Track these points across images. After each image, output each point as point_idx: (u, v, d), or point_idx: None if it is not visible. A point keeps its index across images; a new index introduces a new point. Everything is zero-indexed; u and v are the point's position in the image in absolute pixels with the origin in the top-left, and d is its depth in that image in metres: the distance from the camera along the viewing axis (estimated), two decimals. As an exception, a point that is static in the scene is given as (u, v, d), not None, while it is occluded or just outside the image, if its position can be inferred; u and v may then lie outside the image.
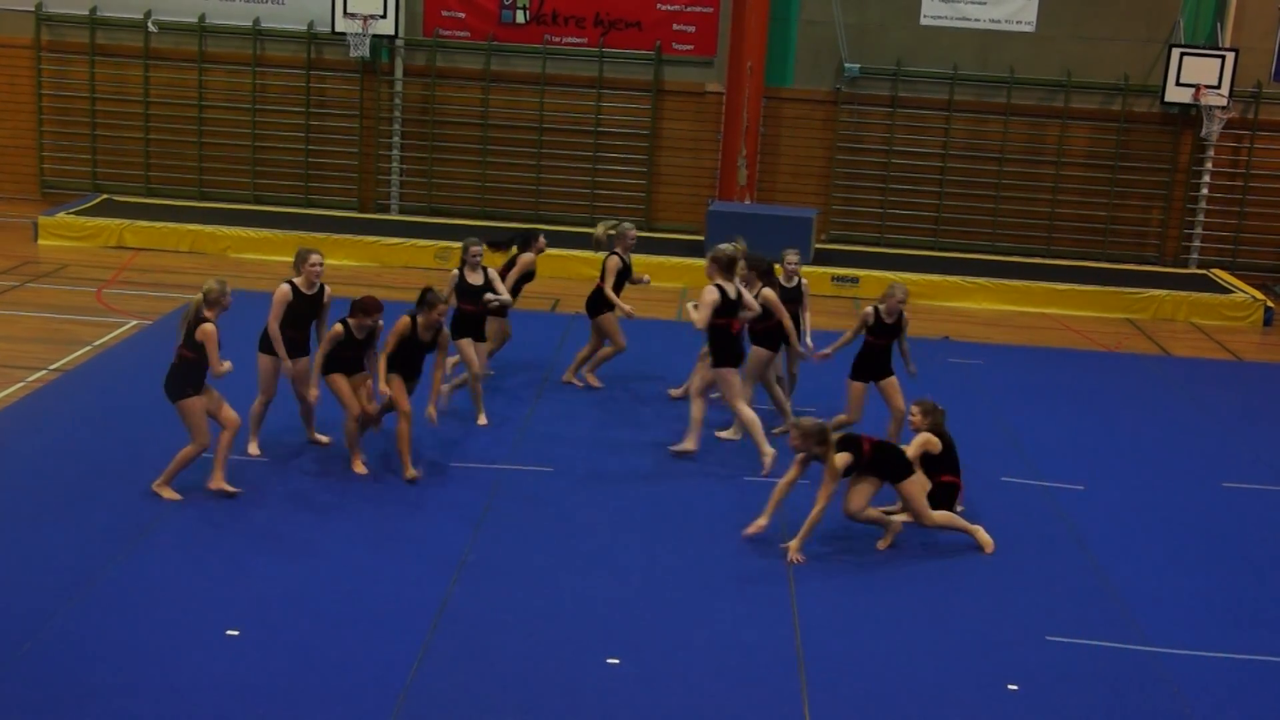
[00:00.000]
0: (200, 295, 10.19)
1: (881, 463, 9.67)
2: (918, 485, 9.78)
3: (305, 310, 11.08)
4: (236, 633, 8.09)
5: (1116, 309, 19.46)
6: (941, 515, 9.86)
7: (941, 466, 10.16)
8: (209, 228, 20.00)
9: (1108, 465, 12.31)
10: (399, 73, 22.39)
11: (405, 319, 10.72)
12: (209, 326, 10.06)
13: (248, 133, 22.53)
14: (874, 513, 9.83)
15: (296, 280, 10.99)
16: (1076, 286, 19.67)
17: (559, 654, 8.12)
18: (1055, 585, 9.57)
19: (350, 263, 19.68)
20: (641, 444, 11.89)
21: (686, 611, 8.79)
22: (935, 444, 10.12)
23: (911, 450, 10.04)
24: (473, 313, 12.30)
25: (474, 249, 12.42)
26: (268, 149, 22.65)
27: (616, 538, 9.91)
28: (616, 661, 8.07)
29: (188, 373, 10.08)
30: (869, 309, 11.52)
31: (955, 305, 19.35)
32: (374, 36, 21.63)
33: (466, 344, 12.20)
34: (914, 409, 10.26)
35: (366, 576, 8.99)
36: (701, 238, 20.23)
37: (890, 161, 22.18)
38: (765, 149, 22.11)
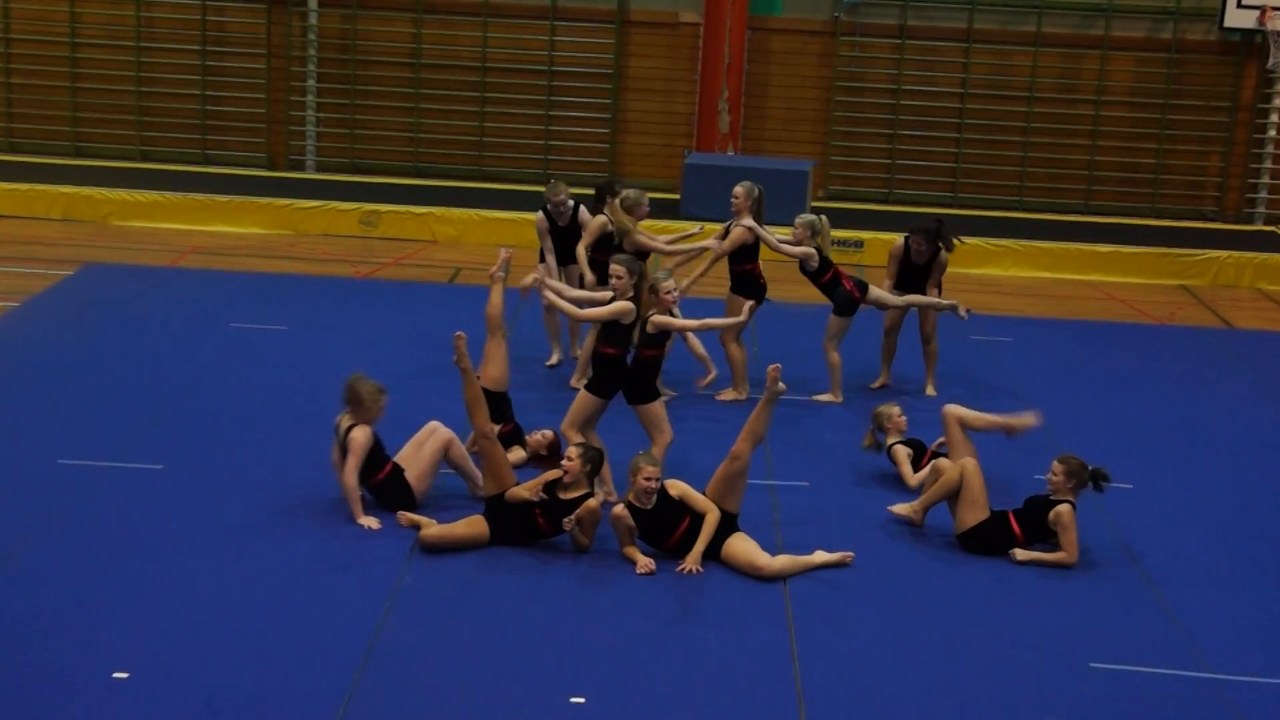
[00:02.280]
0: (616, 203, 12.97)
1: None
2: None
3: None
4: (125, 675, 8.04)
5: (1169, 274, 19.52)
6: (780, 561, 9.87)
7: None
8: (86, 190, 19.86)
9: (1160, 460, 12.35)
10: (313, 3, 22.26)
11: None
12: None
13: (131, 76, 22.36)
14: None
15: None
16: (1121, 248, 19.72)
17: (512, 692, 8.09)
18: (1100, 603, 9.59)
19: (258, 231, 19.57)
20: (615, 442, 11.85)
21: (665, 643, 8.78)
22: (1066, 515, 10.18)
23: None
24: (654, 359, 10.90)
25: (665, 285, 10.81)
26: (155, 95, 22.49)
27: (582, 556, 9.89)
28: (581, 700, 8.06)
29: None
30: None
31: (978, 272, 19.37)
32: (282, -40, 21.55)
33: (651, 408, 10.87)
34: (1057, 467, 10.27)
35: (281, 607, 8.94)
36: (676, 195, 20.21)
37: (899, 103, 22.17)
38: (751, 90, 22.08)
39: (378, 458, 10.26)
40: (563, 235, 13.70)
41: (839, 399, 13.32)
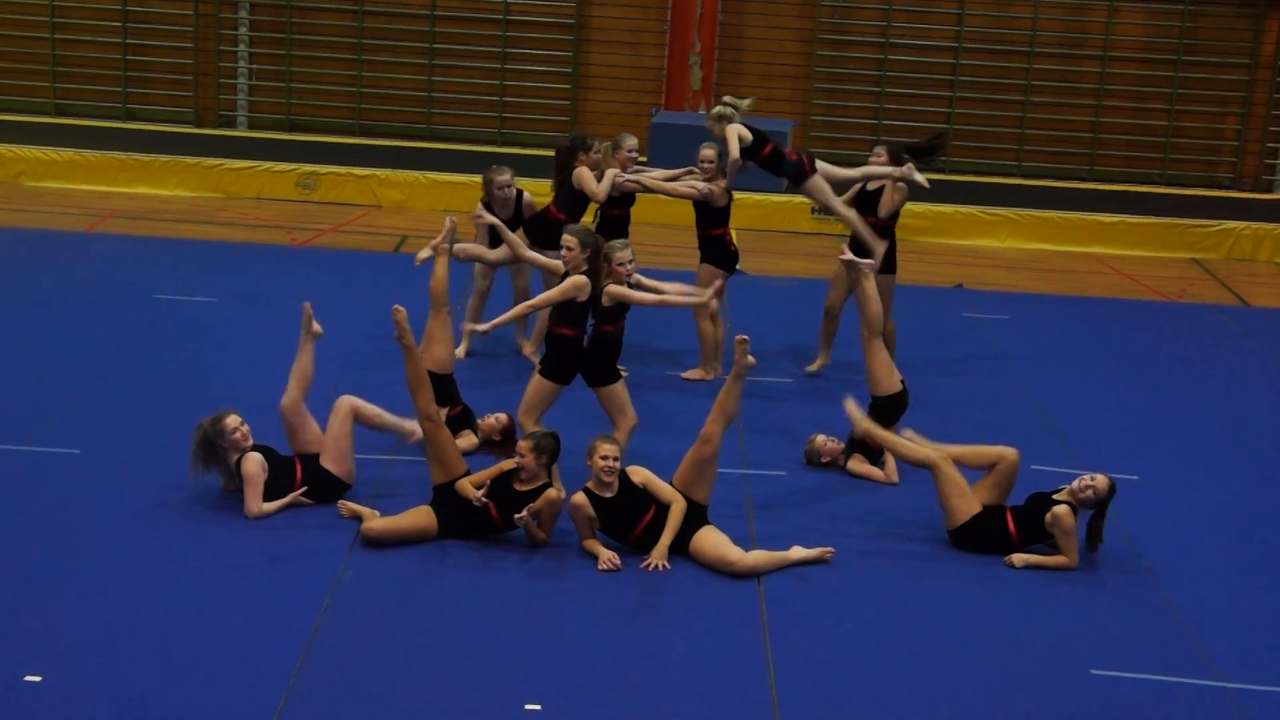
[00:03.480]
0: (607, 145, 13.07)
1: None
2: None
3: None
4: (38, 679, 8.04)
5: (1180, 246, 19.61)
6: (755, 556, 9.92)
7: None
8: (-5, 147, 19.81)
9: (1168, 449, 12.43)
10: (245, -57, 22.21)
11: None
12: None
13: (45, 21, 22.23)
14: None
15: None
16: (1128, 218, 19.80)
17: (462, 699, 8.11)
18: (1102, 605, 9.66)
19: (184, 193, 19.51)
20: (577, 422, 11.88)
21: (629, 645, 8.80)
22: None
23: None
24: (613, 335, 10.95)
25: (620, 255, 10.83)
26: (72, 43, 22.38)
27: (538, 550, 9.92)
28: (538, 708, 8.09)
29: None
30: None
31: (972, 243, 19.44)
32: (212, -105, 21.46)
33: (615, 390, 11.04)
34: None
35: (210, 604, 8.94)
36: (643, 158, 20.17)
37: (887, 58, 22.19)
38: (725, 43, 22.08)
39: (282, 469, 10.27)
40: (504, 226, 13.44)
41: (826, 360, 13.43)
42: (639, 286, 10.83)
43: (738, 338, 9.94)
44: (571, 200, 12.98)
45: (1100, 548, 10.17)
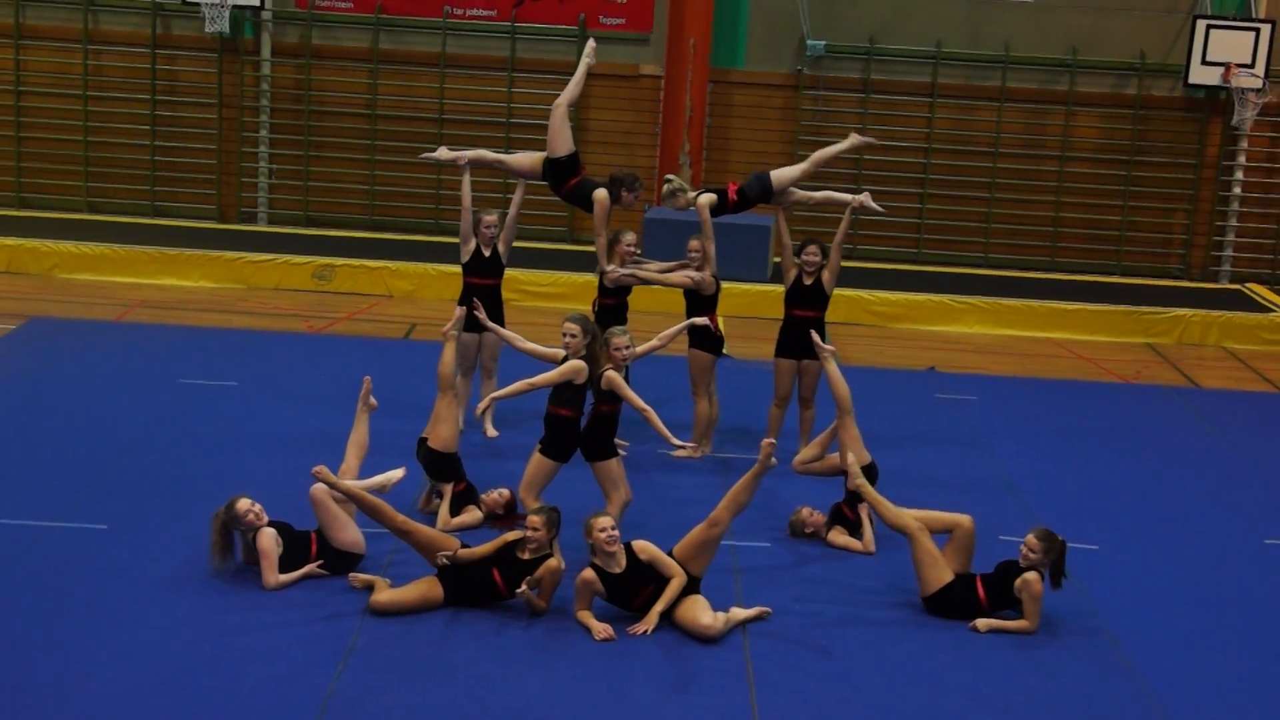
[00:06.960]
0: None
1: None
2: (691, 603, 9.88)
3: None
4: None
5: (1134, 332, 19.65)
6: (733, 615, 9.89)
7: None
8: (30, 242, 19.80)
9: (1126, 520, 12.40)
10: (266, 52, 22.31)
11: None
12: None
13: (78, 125, 22.32)
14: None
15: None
16: (1086, 306, 19.86)
17: (467, 760, 8.07)
18: (1066, 669, 9.60)
19: (208, 284, 19.53)
20: (575, 499, 11.86)
21: (627, 705, 8.77)
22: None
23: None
24: (611, 414, 10.95)
25: (617, 340, 10.87)
26: (104, 145, 22.45)
27: (539, 619, 9.87)
28: (537, 769, 8.03)
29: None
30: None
31: (942, 329, 19.46)
32: (235, 8, 21.55)
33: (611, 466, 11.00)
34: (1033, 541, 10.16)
35: (228, 672, 8.89)
36: (639, 250, 20.22)
37: (862, 158, 22.28)
38: (713, 143, 22.18)
39: (298, 544, 10.21)
40: (485, 267, 13.76)
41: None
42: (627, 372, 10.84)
43: (765, 441, 10.04)
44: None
45: (1064, 617, 10.15)
